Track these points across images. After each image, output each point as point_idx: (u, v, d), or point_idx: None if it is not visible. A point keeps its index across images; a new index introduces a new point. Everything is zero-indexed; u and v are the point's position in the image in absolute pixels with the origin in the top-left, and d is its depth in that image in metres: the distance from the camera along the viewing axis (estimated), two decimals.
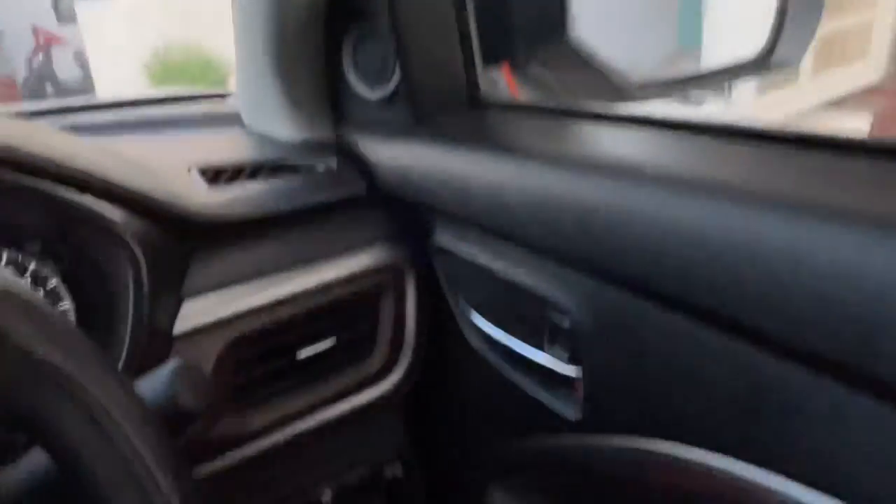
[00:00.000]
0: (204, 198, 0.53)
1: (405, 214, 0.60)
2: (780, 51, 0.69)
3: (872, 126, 2.23)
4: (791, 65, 0.71)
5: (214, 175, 0.57)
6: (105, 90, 8.37)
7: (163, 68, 8.10)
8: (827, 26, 1.96)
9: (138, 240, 0.47)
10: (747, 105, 1.92)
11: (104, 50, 8.38)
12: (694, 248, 0.32)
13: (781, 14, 0.70)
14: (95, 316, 0.48)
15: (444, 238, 0.56)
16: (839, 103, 2.22)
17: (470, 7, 0.55)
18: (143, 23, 8.31)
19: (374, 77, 0.57)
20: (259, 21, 0.58)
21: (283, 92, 0.63)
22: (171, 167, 0.57)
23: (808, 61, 1.91)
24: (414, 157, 0.54)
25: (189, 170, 0.57)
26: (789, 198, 0.30)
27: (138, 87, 8.00)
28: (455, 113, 0.56)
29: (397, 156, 0.56)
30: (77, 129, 0.65)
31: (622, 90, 0.63)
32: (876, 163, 0.32)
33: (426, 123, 0.55)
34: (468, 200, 0.48)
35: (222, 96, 0.84)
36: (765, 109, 1.94)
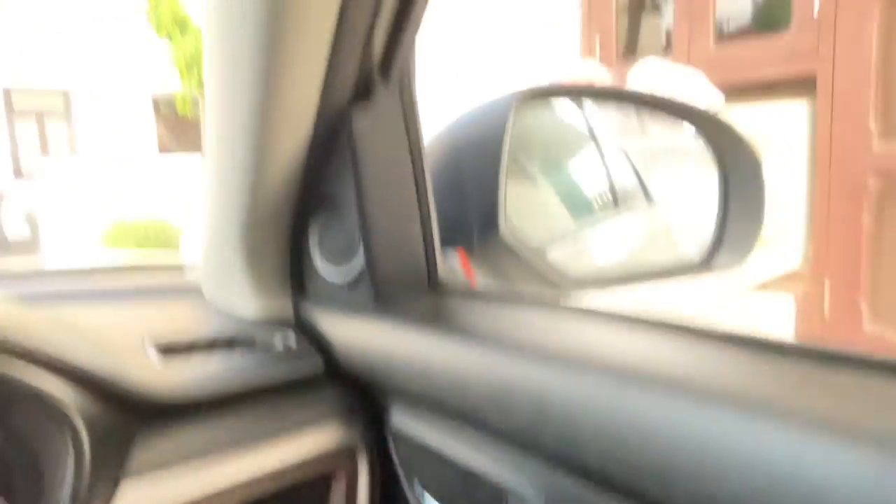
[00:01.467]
0: (156, 374, 0.52)
1: (362, 395, 0.59)
2: (722, 254, 0.76)
3: (796, 308, 2.40)
4: (732, 268, 0.77)
5: (169, 350, 0.56)
6: (54, 252, 8.27)
7: (118, 231, 8.16)
8: None
9: (83, 418, 0.45)
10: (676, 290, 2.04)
11: (59, 210, 8.41)
12: (645, 440, 0.33)
13: (722, 220, 0.78)
14: (25, 499, 0.44)
15: (401, 421, 0.55)
16: (764, 286, 2.39)
17: (431, 197, 0.59)
18: (103, 182, 8.50)
19: (338, 258, 0.60)
20: (229, 200, 0.61)
21: (247, 268, 0.65)
22: (125, 341, 0.56)
23: None
24: (374, 338, 0.55)
25: (143, 344, 0.56)
26: (735, 395, 0.32)
27: (89, 249, 7.95)
28: (415, 296, 0.59)
29: (357, 335, 0.57)
30: (31, 298, 0.64)
31: (556, 284, 0.67)
32: (833, 369, 0.34)
33: (387, 305, 0.57)
34: (427, 383, 0.49)
35: (182, 268, 0.85)
36: (692, 293, 2.06)
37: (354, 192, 0.55)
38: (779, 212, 2.36)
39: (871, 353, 0.34)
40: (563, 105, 0.84)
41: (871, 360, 0.34)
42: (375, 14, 0.48)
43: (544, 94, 0.75)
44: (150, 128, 12.16)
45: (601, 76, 2.30)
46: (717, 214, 0.79)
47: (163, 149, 11.88)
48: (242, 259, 0.64)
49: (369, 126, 0.54)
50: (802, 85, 2.37)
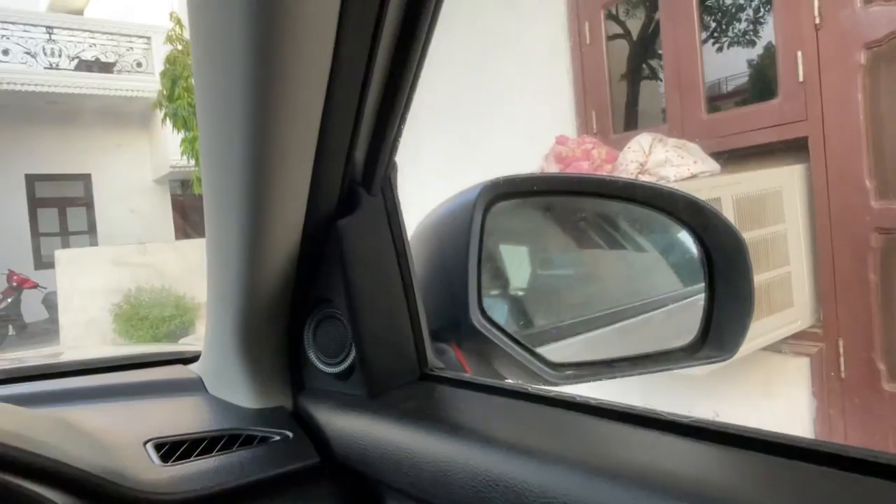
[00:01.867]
0: (155, 476, 0.53)
1: (357, 488, 0.60)
2: (709, 347, 0.74)
3: (812, 370, 2.36)
4: (722, 360, 0.75)
5: (168, 448, 0.58)
6: (69, 334, 8.36)
7: (132, 309, 8.26)
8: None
9: None
10: None
11: (75, 294, 8.56)
12: None
13: (708, 313, 0.76)
14: None
15: None
16: (776, 348, 2.36)
17: (417, 294, 0.62)
18: (120, 268, 8.67)
19: (332, 353, 0.62)
20: (228, 301, 0.64)
21: (246, 362, 0.67)
22: (126, 441, 0.58)
23: None
24: (367, 430, 0.56)
25: (143, 443, 0.58)
26: (711, 496, 0.33)
27: (105, 331, 8.02)
28: (406, 387, 0.61)
29: (352, 427, 0.58)
30: (33, 399, 0.67)
31: (537, 374, 0.68)
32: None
33: (379, 397, 0.59)
34: (416, 476, 0.50)
35: (186, 360, 0.87)
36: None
37: (344, 294, 0.58)
38: (789, 273, 2.36)
39: (864, 452, 0.34)
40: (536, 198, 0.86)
41: (865, 460, 0.34)
42: (354, 135, 0.52)
43: (511, 189, 0.76)
44: (166, 212, 12.48)
45: (597, 153, 2.37)
46: (704, 302, 0.77)
47: (179, 234, 12.15)
48: (242, 353, 0.67)
49: (355, 234, 0.58)
50: (797, 149, 2.43)
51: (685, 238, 0.84)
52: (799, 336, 2.39)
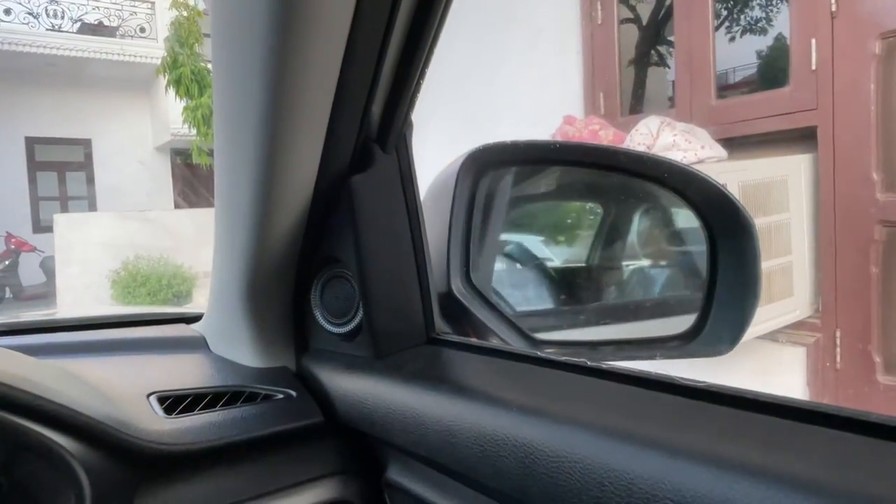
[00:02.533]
0: (159, 427, 0.53)
1: (361, 448, 0.60)
2: (706, 337, 0.69)
3: (808, 360, 2.37)
4: (718, 354, 0.69)
5: (173, 402, 0.58)
6: (66, 298, 8.37)
7: (129, 277, 8.26)
8: None
9: (86, 470, 0.46)
10: None
11: (73, 259, 8.55)
12: (629, 497, 0.34)
13: (708, 300, 0.70)
14: None
15: (398, 474, 0.56)
16: (773, 336, 2.37)
17: (427, 255, 0.62)
18: (120, 235, 8.65)
19: (339, 313, 0.62)
20: (235, 257, 0.64)
21: (251, 321, 0.67)
22: (129, 393, 0.58)
23: None
24: (371, 391, 0.56)
25: (147, 395, 0.58)
26: (717, 454, 0.33)
27: (102, 297, 8.03)
28: (412, 349, 0.60)
29: (356, 388, 0.58)
30: (36, 350, 0.66)
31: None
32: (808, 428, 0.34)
33: (385, 359, 0.59)
34: (421, 436, 0.49)
35: (188, 320, 0.87)
36: None
37: (354, 253, 0.57)
38: (790, 263, 2.36)
39: (842, 410, 0.35)
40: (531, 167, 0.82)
41: (846, 418, 0.34)
42: (372, 89, 0.51)
43: (500, 157, 0.73)
44: (167, 180, 12.42)
45: (604, 134, 2.35)
46: (704, 288, 0.72)
47: (179, 203, 12.09)
48: (247, 312, 0.66)
49: (368, 193, 0.57)
50: (805, 138, 2.41)
51: (687, 216, 0.79)
52: (797, 326, 2.40)
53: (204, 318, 0.80)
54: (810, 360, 2.38)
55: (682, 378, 0.42)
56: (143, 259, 8.51)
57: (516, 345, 0.69)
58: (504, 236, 0.92)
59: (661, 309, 0.98)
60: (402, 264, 0.60)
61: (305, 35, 0.46)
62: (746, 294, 0.70)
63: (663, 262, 1.07)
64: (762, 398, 0.38)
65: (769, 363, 2.47)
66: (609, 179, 0.91)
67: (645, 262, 1.07)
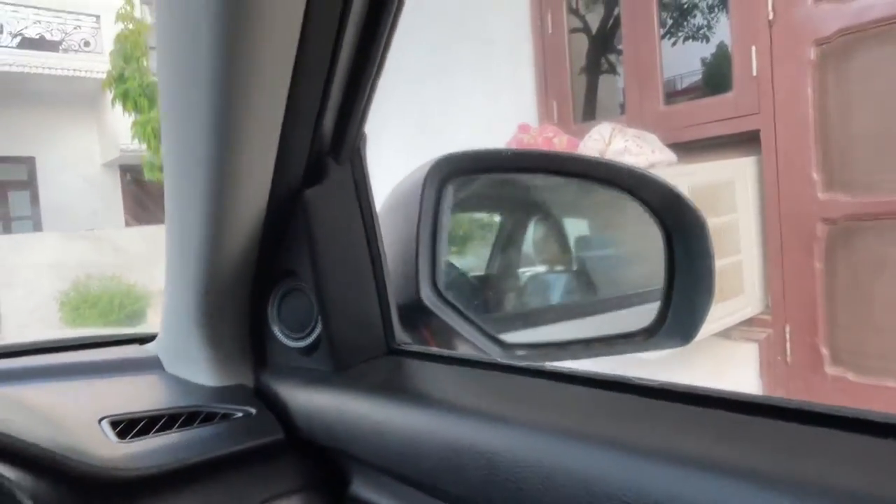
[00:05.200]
0: (111, 452, 0.51)
1: (323, 463, 0.59)
2: (666, 331, 0.73)
3: (760, 355, 2.45)
4: (679, 345, 0.74)
5: (126, 426, 0.56)
6: (11, 322, 8.02)
7: (79, 298, 7.98)
8: None
9: (35, 501, 0.44)
10: None
11: (18, 281, 8.21)
12: (593, 498, 0.34)
13: (667, 296, 0.75)
14: None
15: (362, 488, 0.55)
16: (726, 334, 2.44)
17: (385, 265, 0.62)
18: (67, 255, 8.35)
19: (297, 327, 0.61)
20: (189, 271, 0.62)
21: (206, 339, 0.65)
22: (80, 419, 0.56)
23: None
24: (333, 405, 0.56)
25: (100, 421, 0.56)
26: (672, 450, 0.34)
27: (50, 320, 7.72)
28: (373, 361, 0.60)
29: (317, 402, 0.58)
30: None
31: (486, 351, 0.68)
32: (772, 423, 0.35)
33: (346, 371, 0.58)
34: (384, 448, 0.49)
35: (142, 340, 0.85)
36: None
37: (311, 266, 0.57)
38: (740, 262, 2.44)
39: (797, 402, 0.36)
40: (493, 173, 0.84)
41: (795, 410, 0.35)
42: (323, 102, 0.51)
43: (465, 165, 0.75)
44: (116, 198, 12.06)
45: (558, 141, 2.40)
46: (664, 285, 0.76)
47: (129, 221, 11.75)
48: (202, 330, 0.65)
49: (323, 205, 0.56)
50: (749, 141, 2.50)
51: (644, 220, 0.83)
52: (748, 322, 2.48)
53: (158, 337, 0.78)
54: (762, 354, 2.46)
55: (638, 378, 0.43)
56: (94, 278, 8.23)
57: (488, 349, 0.70)
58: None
59: (623, 303, 1.02)
60: (359, 276, 0.60)
61: (253, 49, 0.45)
62: (701, 288, 0.75)
63: (560, 268, 1.11)
64: (713, 394, 0.39)
65: (723, 360, 2.55)
66: (506, 190, 0.95)
67: (541, 269, 1.10)
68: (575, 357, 0.75)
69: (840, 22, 2.17)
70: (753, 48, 2.40)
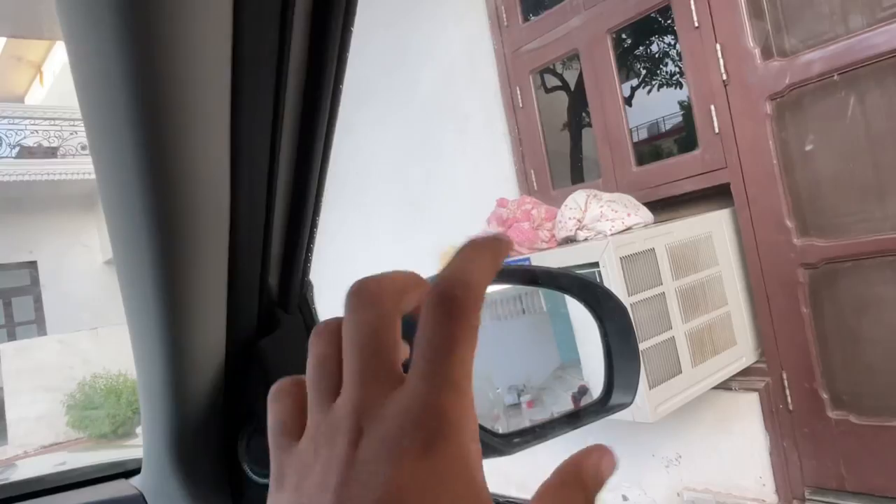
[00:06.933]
0: None
1: None
2: (615, 396, 0.80)
3: (761, 404, 2.44)
4: (625, 406, 0.82)
5: None
6: (19, 430, 7.95)
7: (86, 399, 7.92)
8: (694, 323, 2.25)
9: None
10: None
11: (23, 388, 8.18)
12: None
13: (609, 368, 0.83)
14: None
15: None
16: (726, 385, 2.44)
17: None
18: (71, 356, 8.34)
19: (266, 465, 0.64)
20: (158, 416, 0.66)
21: (184, 478, 0.69)
22: None
23: (686, 356, 2.14)
24: None
25: None
26: None
27: (57, 425, 7.65)
28: None
29: None
30: None
31: (491, 446, 0.71)
32: None
33: None
34: None
35: (128, 473, 0.88)
36: (660, 401, 2.10)
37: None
38: (728, 313, 2.47)
39: None
40: None
41: None
42: (264, 263, 0.57)
43: None
44: (118, 294, 12.12)
45: (536, 212, 2.47)
46: (604, 359, 0.84)
47: None
48: (179, 469, 0.68)
49: (277, 353, 0.61)
50: (722, 194, 2.58)
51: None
52: (746, 372, 2.48)
53: (141, 472, 0.81)
54: (764, 403, 2.45)
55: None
56: (100, 378, 8.20)
57: (487, 439, 0.73)
58: None
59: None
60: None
61: (189, 225, 0.49)
62: (632, 357, 0.85)
63: None
64: None
65: (727, 412, 2.54)
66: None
67: None
68: (563, 432, 0.79)
69: (790, 77, 2.28)
70: (713, 107, 2.50)
